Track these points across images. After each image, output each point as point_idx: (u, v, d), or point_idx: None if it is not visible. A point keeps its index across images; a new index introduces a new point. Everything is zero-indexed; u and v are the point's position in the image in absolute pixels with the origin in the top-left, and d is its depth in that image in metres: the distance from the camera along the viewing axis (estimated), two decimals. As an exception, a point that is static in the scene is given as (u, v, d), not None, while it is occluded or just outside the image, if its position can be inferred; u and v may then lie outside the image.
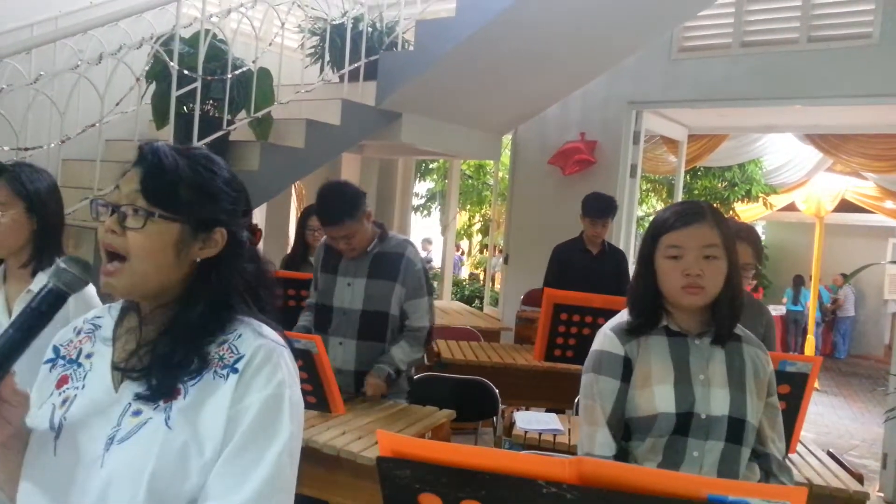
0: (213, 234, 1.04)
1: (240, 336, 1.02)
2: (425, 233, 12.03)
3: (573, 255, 4.27)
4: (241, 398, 0.97)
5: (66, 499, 0.98)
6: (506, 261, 6.29)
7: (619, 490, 0.86)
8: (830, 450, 2.52)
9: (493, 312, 6.44)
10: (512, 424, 2.59)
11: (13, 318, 1.00)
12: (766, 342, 2.50)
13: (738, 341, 1.58)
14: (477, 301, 8.56)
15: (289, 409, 0.99)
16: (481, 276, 11.38)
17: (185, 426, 0.96)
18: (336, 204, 2.58)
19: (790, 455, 2.29)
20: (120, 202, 1.01)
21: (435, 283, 8.10)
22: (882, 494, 4.62)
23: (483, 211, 11.07)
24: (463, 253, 13.83)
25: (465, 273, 12.72)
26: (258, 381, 0.99)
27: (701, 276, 1.49)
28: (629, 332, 1.59)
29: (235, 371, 0.99)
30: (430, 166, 10.71)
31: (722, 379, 1.54)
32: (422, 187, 11.57)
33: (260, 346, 1.01)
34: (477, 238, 12.35)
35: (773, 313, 9.91)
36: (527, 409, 3.84)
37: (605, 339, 1.61)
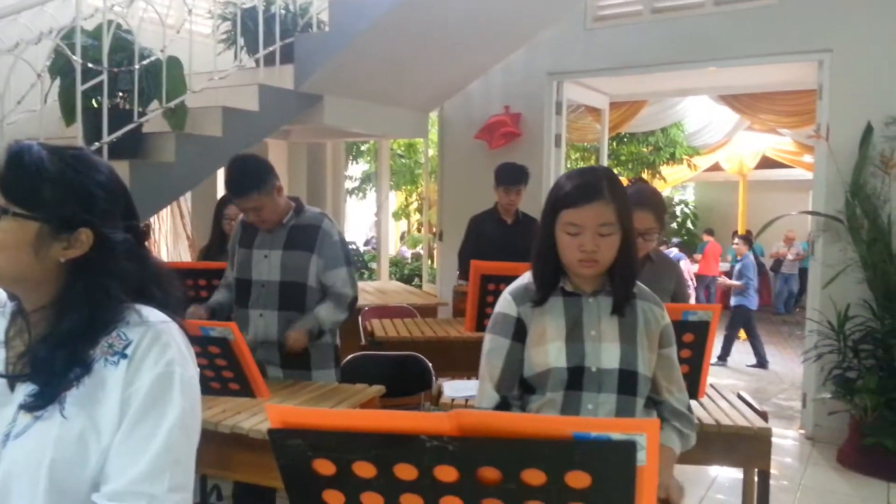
0: (77, 235, 1.04)
1: (127, 323, 1.05)
2: (362, 216, 12.01)
3: (488, 226, 4.35)
4: (132, 381, 1.01)
5: None
6: (440, 237, 6.33)
7: (495, 437, 0.92)
8: (741, 392, 2.67)
9: (432, 289, 6.49)
10: (440, 394, 2.65)
11: None
12: (677, 297, 2.62)
13: (633, 298, 1.66)
14: (417, 279, 8.61)
15: (179, 386, 1.03)
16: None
17: (80, 415, 0.99)
18: (243, 176, 2.63)
19: (700, 399, 2.41)
20: None
21: (374, 266, 8.09)
22: (803, 431, 4.88)
23: (419, 190, 11.09)
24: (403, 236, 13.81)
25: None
26: (147, 363, 1.02)
27: (596, 251, 1.56)
28: (529, 297, 1.66)
29: (125, 356, 1.02)
30: (363, 148, 10.65)
31: (613, 334, 1.62)
32: (357, 170, 11.51)
33: (147, 329, 1.04)
34: (415, 217, 12.38)
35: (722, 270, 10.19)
36: (468, 379, 3.90)
37: (503, 301, 1.71)
